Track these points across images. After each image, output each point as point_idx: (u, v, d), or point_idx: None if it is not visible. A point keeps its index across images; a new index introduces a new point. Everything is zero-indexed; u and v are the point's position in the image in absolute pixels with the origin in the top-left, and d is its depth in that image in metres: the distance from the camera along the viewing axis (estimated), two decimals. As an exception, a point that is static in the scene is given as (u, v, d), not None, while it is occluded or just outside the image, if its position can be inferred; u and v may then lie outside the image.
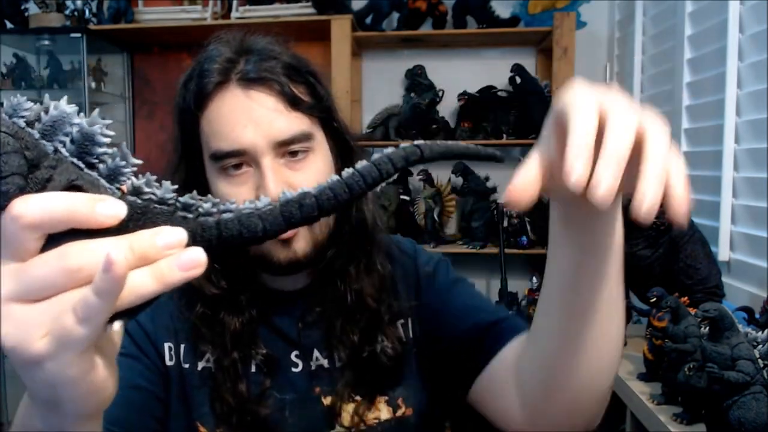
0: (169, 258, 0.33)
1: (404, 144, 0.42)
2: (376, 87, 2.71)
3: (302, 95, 0.72)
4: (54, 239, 0.33)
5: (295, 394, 0.76)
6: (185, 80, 0.74)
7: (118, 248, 0.32)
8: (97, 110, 0.37)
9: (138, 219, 0.35)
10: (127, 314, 0.34)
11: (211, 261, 0.35)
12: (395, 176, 2.61)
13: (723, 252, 1.55)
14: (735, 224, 1.55)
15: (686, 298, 1.20)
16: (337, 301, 0.76)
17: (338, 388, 0.76)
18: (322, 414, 0.76)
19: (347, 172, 0.39)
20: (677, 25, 1.85)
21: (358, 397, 0.76)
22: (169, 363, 0.76)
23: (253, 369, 0.76)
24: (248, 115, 0.69)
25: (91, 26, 2.54)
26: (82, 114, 0.35)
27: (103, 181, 0.35)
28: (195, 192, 0.38)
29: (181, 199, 0.36)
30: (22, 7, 2.61)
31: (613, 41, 2.51)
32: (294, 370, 0.78)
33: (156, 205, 0.36)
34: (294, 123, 0.70)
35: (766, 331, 0.97)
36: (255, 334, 0.76)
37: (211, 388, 0.74)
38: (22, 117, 0.34)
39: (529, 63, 2.57)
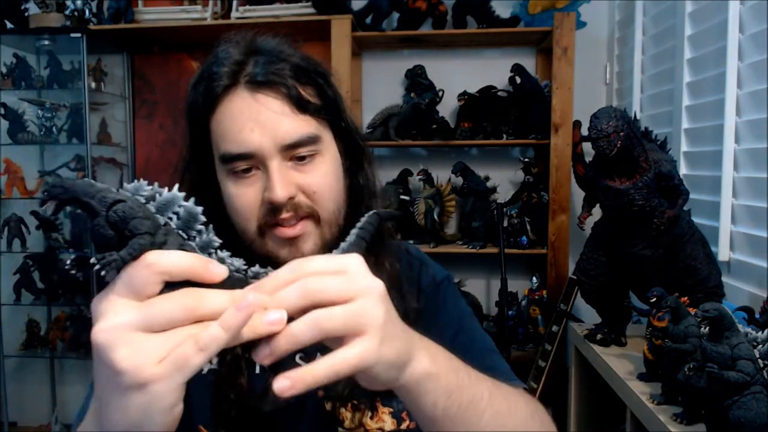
0: (259, 317, 0.43)
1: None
2: (376, 87, 2.71)
3: (310, 97, 0.73)
4: (168, 287, 0.43)
5: (299, 396, 0.76)
6: (195, 81, 0.75)
7: (255, 295, 0.42)
8: (192, 200, 0.47)
9: (223, 283, 0.45)
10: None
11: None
12: (395, 176, 2.60)
13: (723, 252, 1.55)
14: (735, 224, 1.55)
15: (686, 298, 1.20)
16: None
17: (338, 392, 0.75)
18: (324, 417, 0.76)
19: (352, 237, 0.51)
20: (677, 25, 1.85)
21: (357, 403, 0.76)
22: None
23: (258, 369, 0.76)
24: (255, 119, 0.69)
25: (91, 26, 2.53)
26: (183, 195, 0.46)
27: (198, 250, 0.45)
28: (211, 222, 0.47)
29: (251, 269, 0.48)
30: (22, 7, 2.60)
31: (613, 41, 2.51)
32: None
33: (234, 273, 0.46)
34: (301, 126, 0.71)
35: (766, 331, 0.97)
36: None
37: (214, 387, 0.74)
38: (142, 195, 0.44)
39: (529, 63, 2.57)
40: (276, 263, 0.72)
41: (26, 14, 2.60)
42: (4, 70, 2.62)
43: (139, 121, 2.87)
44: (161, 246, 0.43)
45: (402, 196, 2.52)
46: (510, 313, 2.41)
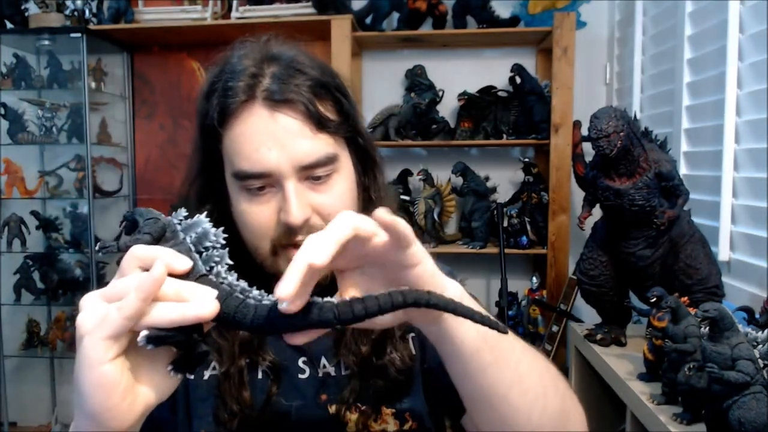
0: (195, 303, 0.46)
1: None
2: (376, 87, 2.71)
3: (329, 113, 0.71)
4: None
5: (302, 400, 0.76)
6: (207, 92, 0.72)
7: (161, 270, 0.46)
8: (221, 229, 0.52)
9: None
10: (180, 367, 0.50)
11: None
12: (395, 176, 2.60)
13: (723, 252, 1.55)
14: (735, 224, 1.55)
15: (686, 298, 1.20)
16: None
17: (343, 396, 0.75)
18: (328, 422, 0.75)
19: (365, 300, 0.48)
20: (677, 25, 1.85)
21: (363, 407, 0.76)
22: None
23: (260, 375, 0.76)
24: (273, 138, 0.68)
25: (91, 26, 2.53)
26: (210, 223, 0.52)
27: (201, 264, 0.50)
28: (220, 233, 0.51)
29: (246, 288, 0.49)
30: (22, 7, 2.60)
31: (613, 41, 2.51)
32: (301, 376, 0.77)
33: (224, 287, 0.49)
34: (319, 146, 0.69)
35: (766, 331, 0.97)
36: (263, 340, 0.76)
37: (216, 395, 0.74)
38: (179, 220, 0.52)
39: (529, 63, 2.57)
40: None
41: (26, 14, 2.60)
42: (4, 70, 2.62)
43: (139, 121, 2.87)
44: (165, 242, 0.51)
45: (402, 196, 2.53)
46: (510, 313, 2.41)
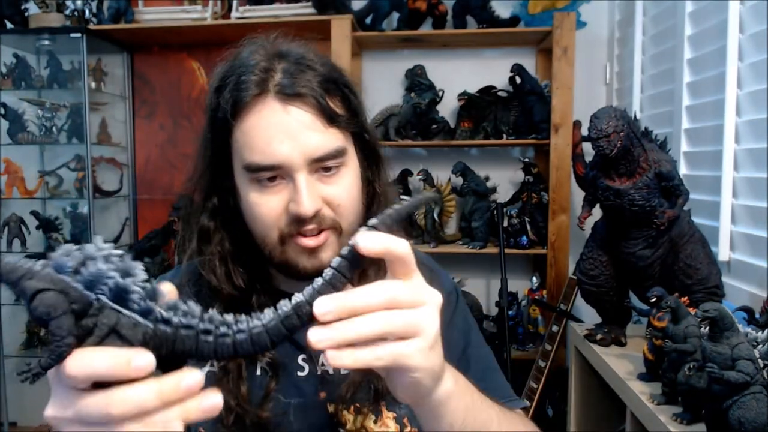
0: (194, 403, 0.41)
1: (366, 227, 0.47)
2: (376, 87, 2.71)
3: (338, 108, 0.73)
4: None
5: (301, 398, 0.76)
6: (218, 86, 0.73)
7: (154, 402, 0.39)
8: (129, 256, 0.41)
9: (170, 345, 0.41)
10: None
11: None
12: (395, 176, 2.59)
13: (723, 252, 1.55)
14: (735, 224, 1.55)
15: (686, 298, 1.20)
16: None
17: (341, 395, 0.75)
18: (327, 420, 0.76)
19: (327, 272, 0.46)
20: (677, 25, 1.85)
21: (361, 406, 0.76)
22: None
23: (259, 372, 0.76)
24: (285, 131, 0.69)
25: (91, 26, 2.54)
26: (114, 261, 0.40)
27: (138, 318, 0.40)
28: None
29: (201, 325, 0.42)
30: (22, 7, 2.61)
31: (613, 41, 2.51)
32: (300, 374, 0.77)
33: (183, 330, 0.41)
34: (330, 140, 0.71)
35: (766, 331, 0.97)
36: None
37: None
38: (68, 270, 0.39)
39: (529, 63, 2.57)
40: (295, 271, 0.73)
41: (26, 14, 2.61)
42: (4, 70, 2.62)
43: (139, 121, 2.87)
44: (90, 330, 0.39)
45: (402, 196, 2.53)
46: (510, 313, 2.41)
